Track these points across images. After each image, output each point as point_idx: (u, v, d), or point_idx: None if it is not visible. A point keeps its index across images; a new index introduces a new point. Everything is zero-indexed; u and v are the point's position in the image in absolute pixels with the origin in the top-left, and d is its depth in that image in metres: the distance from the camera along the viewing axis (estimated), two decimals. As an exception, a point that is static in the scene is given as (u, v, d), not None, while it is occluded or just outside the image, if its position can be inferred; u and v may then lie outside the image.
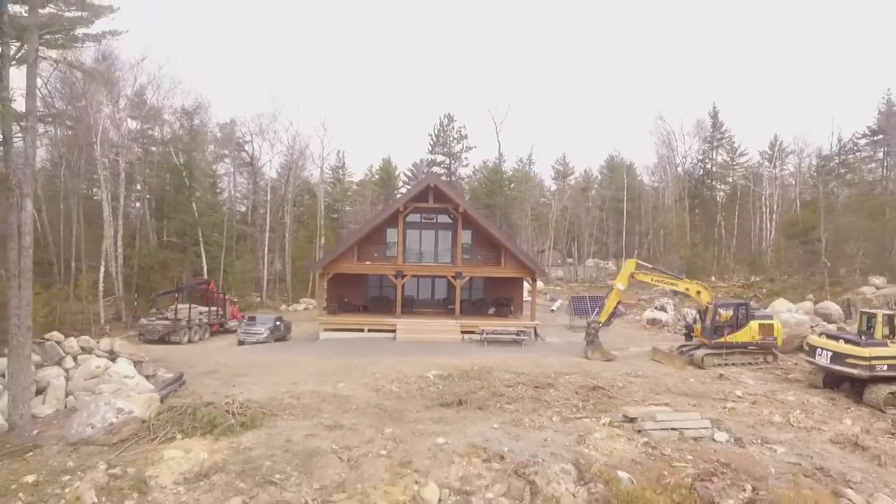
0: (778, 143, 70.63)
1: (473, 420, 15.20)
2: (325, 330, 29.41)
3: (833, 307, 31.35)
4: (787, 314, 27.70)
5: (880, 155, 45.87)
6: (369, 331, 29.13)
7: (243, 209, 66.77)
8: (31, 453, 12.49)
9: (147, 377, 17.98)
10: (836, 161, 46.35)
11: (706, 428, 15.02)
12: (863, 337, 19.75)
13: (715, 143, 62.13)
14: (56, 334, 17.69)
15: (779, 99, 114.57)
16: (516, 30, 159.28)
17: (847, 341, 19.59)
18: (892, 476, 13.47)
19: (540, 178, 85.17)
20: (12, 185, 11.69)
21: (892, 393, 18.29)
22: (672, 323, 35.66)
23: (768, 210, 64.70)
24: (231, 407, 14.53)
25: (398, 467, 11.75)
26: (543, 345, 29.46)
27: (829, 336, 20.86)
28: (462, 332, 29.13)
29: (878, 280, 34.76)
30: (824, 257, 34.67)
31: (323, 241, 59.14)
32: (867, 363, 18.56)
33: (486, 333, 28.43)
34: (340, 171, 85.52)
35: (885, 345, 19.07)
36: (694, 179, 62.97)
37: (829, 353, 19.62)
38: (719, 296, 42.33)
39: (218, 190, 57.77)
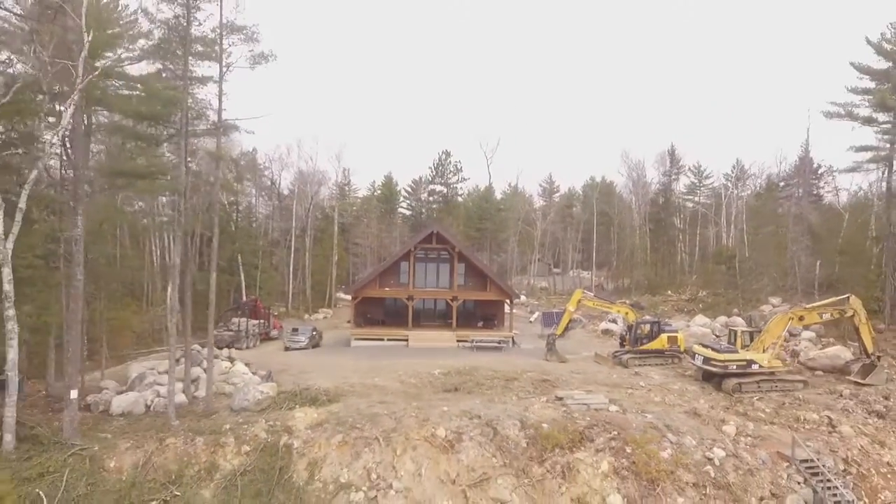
0: (739, 166, 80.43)
1: (464, 399, 24.86)
2: (356, 339, 38.99)
3: (739, 321, 41.16)
4: (695, 327, 37.51)
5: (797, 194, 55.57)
6: (388, 340, 38.74)
7: (255, 225, 76.03)
8: (213, 416, 22.13)
9: (253, 374, 27.58)
10: (763, 199, 56.26)
11: (605, 403, 24.70)
12: (722, 345, 29.62)
13: (673, 177, 72.12)
14: (196, 346, 27.23)
15: (750, 122, 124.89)
16: (511, 54, 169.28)
17: (712, 349, 29.39)
18: (706, 429, 23.14)
19: (529, 194, 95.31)
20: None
21: (738, 383, 27.99)
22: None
23: (726, 231, 74.59)
24: (319, 391, 24.25)
25: (422, 421, 21.41)
26: (518, 350, 39.07)
27: (703, 344, 30.69)
28: (457, 341, 38.69)
29: (775, 300, 44.76)
30: (739, 280, 44.65)
31: (336, 258, 68.68)
32: (722, 364, 28.36)
33: (476, 342, 38.14)
34: (346, 188, 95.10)
35: (736, 351, 28.87)
36: (657, 206, 72.84)
37: (702, 357, 29.41)
38: (664, 309, 52.36)
39: (253, 222, 67.30)
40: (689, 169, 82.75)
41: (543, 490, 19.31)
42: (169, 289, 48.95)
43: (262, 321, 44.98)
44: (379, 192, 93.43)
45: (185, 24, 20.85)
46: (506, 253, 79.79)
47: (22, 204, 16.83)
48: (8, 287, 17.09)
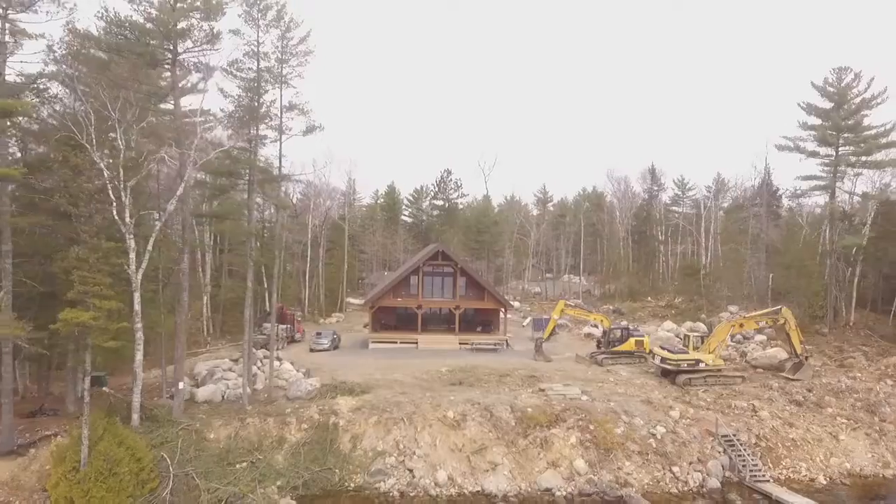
0: (719, 179, 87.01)
1: (467, 390, 31.46)
2: (373, 342, 45.59)
3: (702, 327, 47.89)
4: (662, 331, 44.25)
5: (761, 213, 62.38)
6: (401, 343, 45.34)
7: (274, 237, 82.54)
8: (274, 402, 28.70)
9: (297, 371, 34.15)
10: (728, 219, 63.03)
11: (578, 394, 31.34)
12: (677, 347, 36.34)
13: (653, 193, 78.98)
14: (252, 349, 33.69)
15: (743, 128, 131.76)
16: (510, 64, 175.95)
17: (668, 350, 36.07)
18: (656, 413, 29.76)
19: (525, 203, 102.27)
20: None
21: (688, 378, 34.63)
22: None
23: (706, 242, 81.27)
24: (353, 384, 30.88)
25: (435, 406, 28.04)
26: (512, 351, 45.67)
27: (662, 347, 37.40)
28: (460, 343, 45.30)
29: (733, 308, 51.53)
30: (703, 290, 51.40)
31: (346, 268, 75.19)
32: (675, 362, 35.03)
33: (475, 344, 44.80)
34: (352, 197, 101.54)
35: (686, 352, 35.54)
36: (639, 220, 79.65)
37: (660, 357, 36.10)
38: (641, 314, 59.06)
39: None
40: (674, 181, 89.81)
41: (527, 456, 25.98)
42: (204, 298, 55.94)
43: (288, 326, 51.28)
44: (382, 200, 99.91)
45: (254, 103, 27.44)
46: (502, 259, 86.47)
47: (150, 247, 23.37)
48: (137, 307, 23.60)
